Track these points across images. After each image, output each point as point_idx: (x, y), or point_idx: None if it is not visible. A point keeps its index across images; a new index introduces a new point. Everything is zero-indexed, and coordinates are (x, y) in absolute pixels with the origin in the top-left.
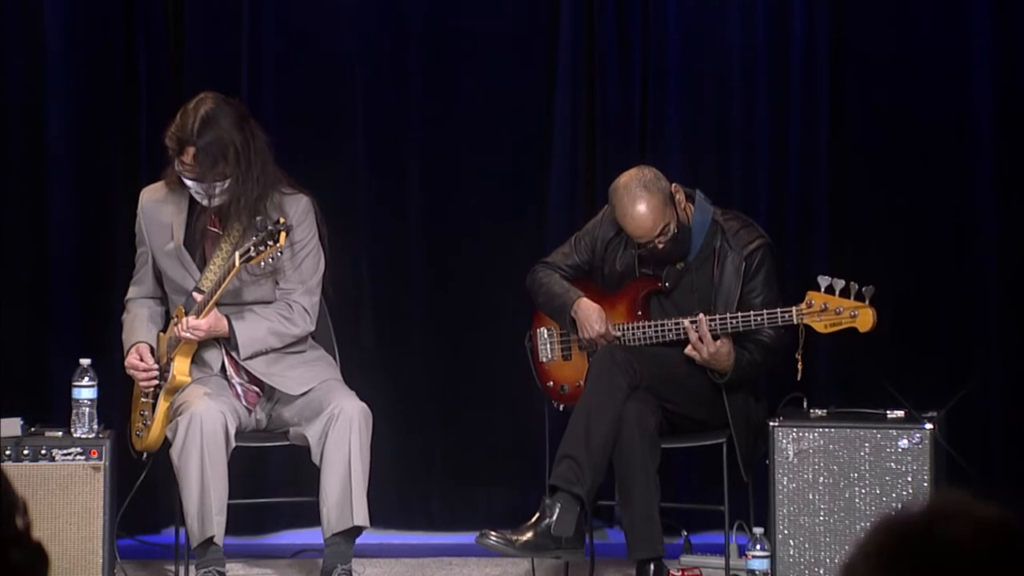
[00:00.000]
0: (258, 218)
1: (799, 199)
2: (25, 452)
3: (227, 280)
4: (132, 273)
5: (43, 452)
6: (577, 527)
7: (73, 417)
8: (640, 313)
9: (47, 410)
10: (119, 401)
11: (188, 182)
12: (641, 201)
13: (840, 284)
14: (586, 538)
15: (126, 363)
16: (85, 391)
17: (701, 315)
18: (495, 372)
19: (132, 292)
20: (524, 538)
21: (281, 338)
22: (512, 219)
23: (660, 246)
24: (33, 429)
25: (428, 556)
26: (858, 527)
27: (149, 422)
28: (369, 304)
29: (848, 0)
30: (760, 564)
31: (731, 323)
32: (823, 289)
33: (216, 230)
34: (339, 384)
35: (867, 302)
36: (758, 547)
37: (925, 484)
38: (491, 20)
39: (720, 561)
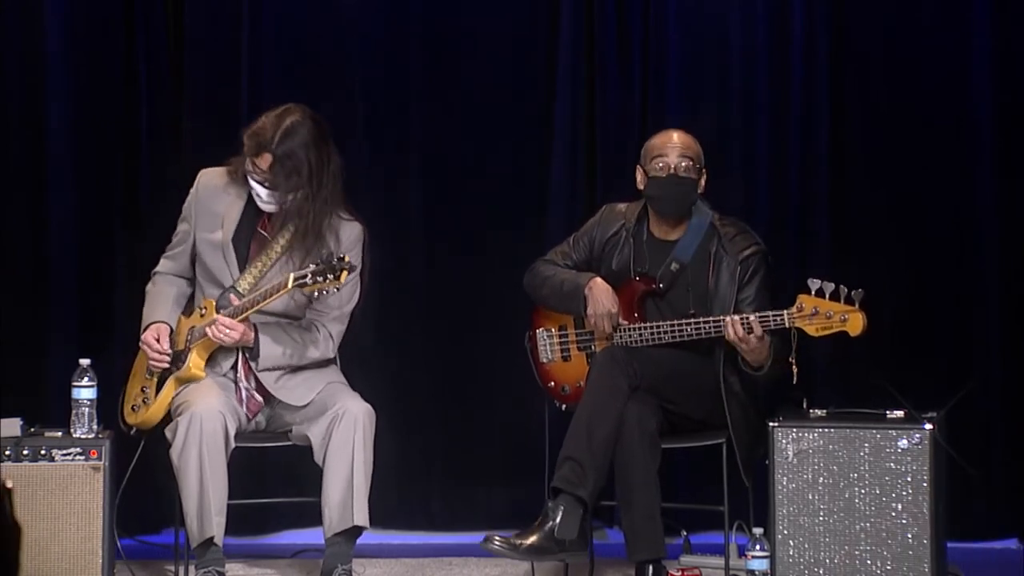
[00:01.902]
0: (324, 251)
1: (799, 199)
2: (25, 452)
3: (274, 297)
4: (166, 247)
5: (43, 452)
6: (580, 529)
7: (73, 417)
8: (636, 315)
9: (47, 410)
10: (118, 402)
11: (254, 184)
12: (680, 130)
13: (830, 287)
14: (588, 542)
15: (143, 338)
16: (85, 391)
17: (728, 317)
18: (495, 372)
19: (163, 266)
20: (528, 542)
21: (301, 359)
22: (512, 219)
23: (682, 170)
24: (33, 429)
25: (428, 556)
26: (858, 527)
27: (150, 400)
28: (369, 304)
29: (848, 0)
30: (760, 564)
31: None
32: (813, 292)
33: (265, 234)
34: (343, 386)
35: (857, 306)
36: (758, 547)
37: (925, 484)
38: (491, 20)
39: (720, 561)
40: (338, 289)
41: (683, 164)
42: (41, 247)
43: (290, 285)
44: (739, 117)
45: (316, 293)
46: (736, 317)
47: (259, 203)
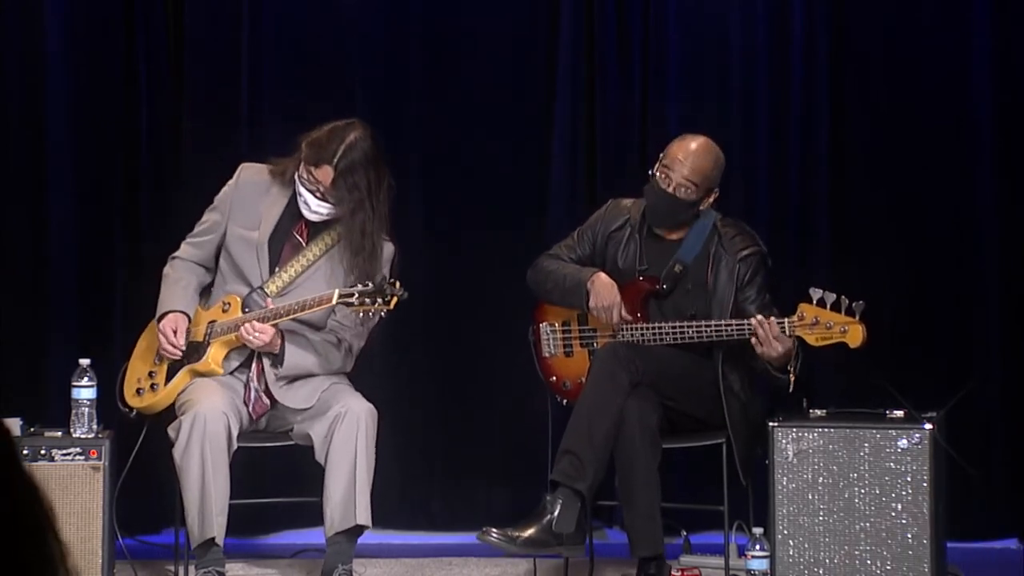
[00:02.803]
0: (379, 275)
1: (799, 199)
2: (25, 452)
3: (313, 309)
4: (190, 233)
5: (43, 452)
6: (578, 523)
7: (72, 417)
8: (639, 315)
9: (47, 410)
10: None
11: (303, 191)
12: (703, 145)
13: (831, 297)
14: (586, 536)
15: (160, 325)
16: (84, 391)
17: (759, 317)
18: (496, 372)
19: (186, 252)
20: (525, 534)
21: (321, 371)
22: (512, 219)
23: (681, 192)
24: (32, 429)
25: (428, 556)
26: (857, 527)
27: (158, 387)
28: None
29: (848, 0)
30: (759, 564)
31: (726, 331)
32: (815, 301)
33: (300, 239)
34: (346, 386)
35: (857, 317)
36: (758, 547)
37: (925, 484)
38: (491, 20)
39: (720, 561)
40: (384, 314)
41: (683, 189)
42: (41, 247)
43: (334, 301)
44: (739, 117)
45: (360, 314)
46: (774, 320)
47: (305, 211)
